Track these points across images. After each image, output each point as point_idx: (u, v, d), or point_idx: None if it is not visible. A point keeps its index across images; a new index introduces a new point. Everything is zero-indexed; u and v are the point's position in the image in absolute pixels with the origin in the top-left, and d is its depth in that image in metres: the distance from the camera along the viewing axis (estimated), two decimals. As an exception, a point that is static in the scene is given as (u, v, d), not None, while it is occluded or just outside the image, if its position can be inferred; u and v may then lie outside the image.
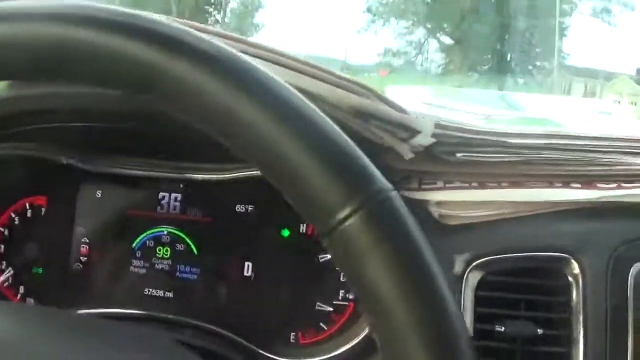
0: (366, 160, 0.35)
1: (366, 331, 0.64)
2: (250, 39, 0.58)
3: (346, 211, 0.33)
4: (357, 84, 0.59)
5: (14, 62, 0.36)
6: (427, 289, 0.34)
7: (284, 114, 0.35)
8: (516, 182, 0.65)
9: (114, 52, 0.35)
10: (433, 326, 0.33)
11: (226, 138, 0.35)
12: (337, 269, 0.66)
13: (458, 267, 0.63)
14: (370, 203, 0.33)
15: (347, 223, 0.33)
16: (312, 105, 0.36)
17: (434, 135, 0.61)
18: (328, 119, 0.36)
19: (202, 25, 0.59)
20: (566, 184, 0.65)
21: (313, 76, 0.58)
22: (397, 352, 0.33)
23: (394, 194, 0.34)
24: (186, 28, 0.36)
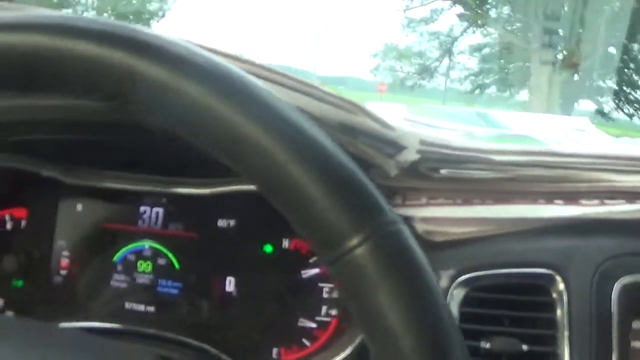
0: (375, 190, 0.33)
1: (349, 349, 0.61)
2: (227, 51, 0.55)
3: (355, 240, 0.31)
4: (343, 100, 0.56)
5: None
6: (434, 323, 0.32)
7: (294, 139, 0.33)
8: (500, 199, 0.63)
9: (94, 60, 0.33)
10: None
11: (230, 159, 0.34)
12: (321, 286, 0.65)
13: (443, 283, 0.61)
14: (380, 234, 0.32)
15: (355, 253, 0.31)
16: (322, 130, 0.34)
17: (418, 151, 0.59)
18: (337, 146, 0.34)
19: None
20: (549, 201, 0.63)
21: (298, 90, 0.55)
22: None
23: (402, 226, 0.33)
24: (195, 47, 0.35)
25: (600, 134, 0.94)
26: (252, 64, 0.55)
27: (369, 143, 0.57)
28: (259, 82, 0.35)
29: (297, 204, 0.33)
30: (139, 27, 0.35)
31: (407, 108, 0.87)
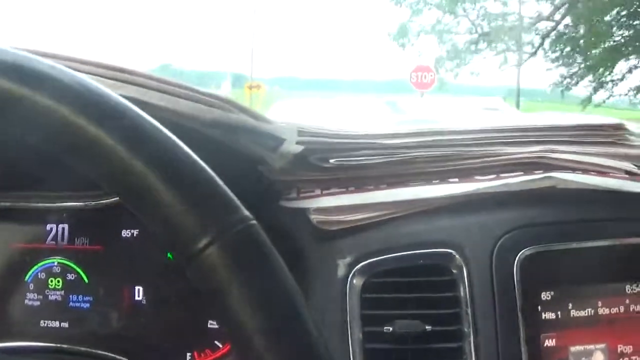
0: (224, 189, 0.33)
1: None
2: (98, 60, 0.53)
3: (204, 241, 0.31)
4: (217, 97, 0.55)
5: None
6: (286, 321, 0.32)
7: (140, 144, 0.32)
8: (393, 183, 0.61)
9: None
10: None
11: (88, 169, 0.33)
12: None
13: (341, 272, 0.59)
14: (227, 233, 0.31)
15: (205, 253, 0.31)
16: (169, 134, 0.33)
17: (301, 142, 0.57)
18: (186, 148, 0.33)
19: (51, 51, 0.55)
20: (444, 180, 0.61)
21: (171, 93, 0.54)
22: None
23: (251, 224, 0.32)
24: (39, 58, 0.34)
25: (512, 110, 0.92)
26: (124, 70, 0.54)
27: (248, 138, 0.56)
28: (97, 85, 0.34)
29: (148, 210, 0.32)
30: None
31: (316, 103, 0.85)
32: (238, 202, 0.33)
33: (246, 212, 0.33)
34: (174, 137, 0.33)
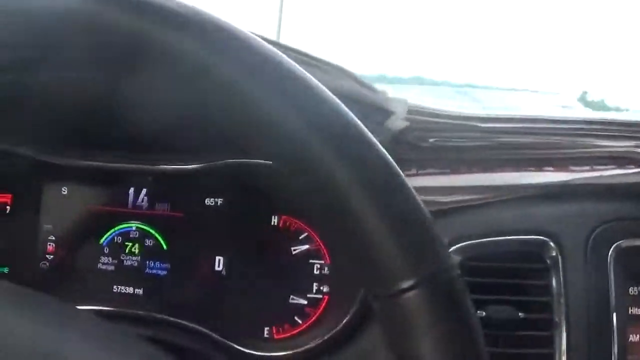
0: (437, 232, 0.32)
1: (340, 326, 0.58)
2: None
3: (407, 283, 0.30)
4: (329, 64, 0.54)
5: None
6: None
7: (363, 170, 0.31)
8: (488, 167, 0.60)
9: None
10: None
11: (299, 173, 0.32)
12: (312, 262, 0.61)
13: None
14: (433, 281, 0.30)
15: (405, 295, 0.30)
16: (396, 167, 0.32)
17: (406, 119, 0.55)
18: (408, 184, 0.32)
19: None
20: (539, 168, 0.60)
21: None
22: None
23: (456, 274, 0.32)
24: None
25: (586, 110, 0.92)
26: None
27: (356, 109, 0.54)
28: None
29: (357, 238, 0.31)
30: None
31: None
32: (447, 248, 0.32)
33: (453, 260, 0.32)
34: (397, 168, 0.32)
